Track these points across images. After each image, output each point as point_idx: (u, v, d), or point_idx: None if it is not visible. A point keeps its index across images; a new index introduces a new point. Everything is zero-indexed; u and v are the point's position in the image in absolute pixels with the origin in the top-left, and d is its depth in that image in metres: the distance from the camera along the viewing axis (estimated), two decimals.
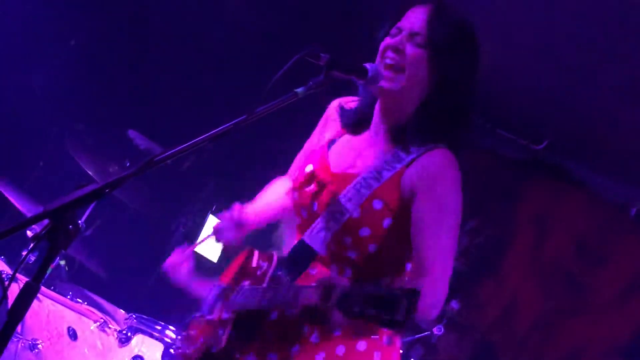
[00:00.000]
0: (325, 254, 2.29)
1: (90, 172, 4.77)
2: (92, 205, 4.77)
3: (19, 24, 5.87)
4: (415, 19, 2.33)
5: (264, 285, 2.26)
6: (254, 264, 2.37)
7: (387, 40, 2.34)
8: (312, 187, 2.37)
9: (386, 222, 2.23)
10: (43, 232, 1.95)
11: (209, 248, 5.98)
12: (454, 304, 5.02)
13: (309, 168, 2.42)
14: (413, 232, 2.21)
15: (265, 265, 2.34)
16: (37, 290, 1.98)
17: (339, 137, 2.49)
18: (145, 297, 5.68)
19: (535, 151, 6.35)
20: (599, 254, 6.17)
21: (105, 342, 4.03)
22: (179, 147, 2.09)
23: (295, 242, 2.36)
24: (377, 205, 2.24)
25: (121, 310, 4.46)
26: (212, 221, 5.92)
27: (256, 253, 2.42)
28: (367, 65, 2.33)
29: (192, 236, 5.88)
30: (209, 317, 2.40)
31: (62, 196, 1.99)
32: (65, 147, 4.98)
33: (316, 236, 2.28)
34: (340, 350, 2.22)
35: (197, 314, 2.48)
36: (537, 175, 6.53)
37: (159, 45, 6.38)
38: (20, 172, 5.87)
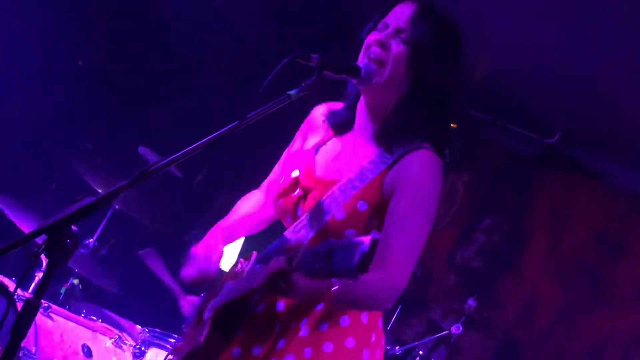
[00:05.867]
0: None
1: (100, 191, 4.79)
2: (103, 224, 4.80)
3: (26, 46, 5.92)
4: (401, 14, 2.34)
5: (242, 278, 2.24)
6: (238, 267, 2.36)
7: (374, 35, 2.35)
8: (297, 192, 2.36)
9: (370, 223, 2.23)
10: (41, 248, 1.95)
11: (224, 260, 5.99)
12: (471, 302, 4.98)
13: (295, 173, 2.41)
14: (384, 224, 2.22)
15: (245, 264, 2.34)
16: (38, 307, 1.98)
17: (325, 141, 2.48)
18: (161, 311, 5.69)
19: (548, 144, 6.32)
20: (618, 245, 6.11)
21: (121, 358, 4.03)
22: (173, 156, 2.07)
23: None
24: (362, 206, 2.23)
25: (138, 325, 4.47)
26: None
27: (241, 259, 2.41)
28: (360, 64, 2.32)
29: None
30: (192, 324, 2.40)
31: (58, 211, 1.99)
32: (75, 168, 5.00)
33: (298, 233, 2.26)
34: (328, 347, 2.21)
35: (184, 326, 2.47)
36: (551, 168, 6.49)
37: (167, 60, 6.41)
38: (33, 194, 5.91)
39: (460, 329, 4.91)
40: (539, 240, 6.40)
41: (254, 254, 2.35)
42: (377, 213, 2.23)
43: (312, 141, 2.52)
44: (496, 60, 5.58)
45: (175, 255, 6.00)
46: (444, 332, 4.99)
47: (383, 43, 2.31)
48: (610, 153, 6.19)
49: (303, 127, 2.62)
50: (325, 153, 2.44)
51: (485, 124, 6.42)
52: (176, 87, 6.45)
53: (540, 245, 6.37)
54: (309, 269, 1.87)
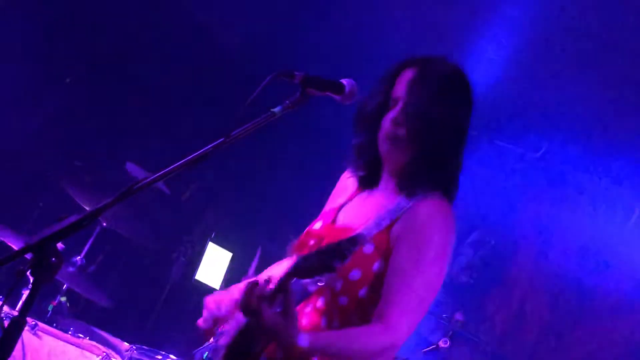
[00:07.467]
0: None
1: (88, 209, 4.77)
2: (90, 241, 4.79)
3: (12, 66, 5.92)
4: (403, 84, 2.38)
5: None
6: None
7: (389, 113, 2.38)
8: (312, 242, 2.37)
9: (376, 266, 2.21)
10: (26, 266, 1.95)
11: (211, 275, 6.01)
12: (459, 316, 5.00)
13: (317, 226, 2.44)
14: (386, 275, 2.19)
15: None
16: (24, 324, 1.98)
17: (352, 199, 2.50)
18: (149, 328, 5.68)
19: (533, 159, 6.35)
20: (604, 258, 6.14)
21: None
22: (158, 173, 2.09)
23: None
24: (368, 249, 2.23)
25: (125, 342, 4.46)
26: (212, 249, 5.94)
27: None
28: (344, 81, 2.34)
29: (192, 264, 5.90)
30: None
31: (43, 229, 2.00)
32: (63, 186, 5.00)
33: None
34: None
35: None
36: (537, 183, 6.52)
37: (155, 78, 6.42)
38: (21, 213, 5.90)
39: (448, 342, 4.92)
40: (525, 253, 6.42)
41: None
42: (381, 257, 2.22)
43: (338, 201, 2.54)
44: (483, 76, 5.62)
45: (164, 273, 6.01)
46: (432, 346, 5.00)
47: (395, 120, 2.36)
48: (594, 168, 6.22)
49: (334, 191, 2.64)
50: (349, 207, 2.47)
51: (471, 139, 6.44)
52: (163, 105, 6.47)
53: (527, 259, 6.40)
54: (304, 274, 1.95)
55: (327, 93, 2.31)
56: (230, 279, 5.94)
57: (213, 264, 5.93)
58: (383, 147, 2.38)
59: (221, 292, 2.46)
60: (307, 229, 2.48)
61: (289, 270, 1.99)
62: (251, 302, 1.99)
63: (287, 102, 2.23)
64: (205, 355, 2.40)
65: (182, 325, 5.79)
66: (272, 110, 2.21)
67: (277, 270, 2.30)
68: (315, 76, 2.27)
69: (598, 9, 4.59)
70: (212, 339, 2.41)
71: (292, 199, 6.10)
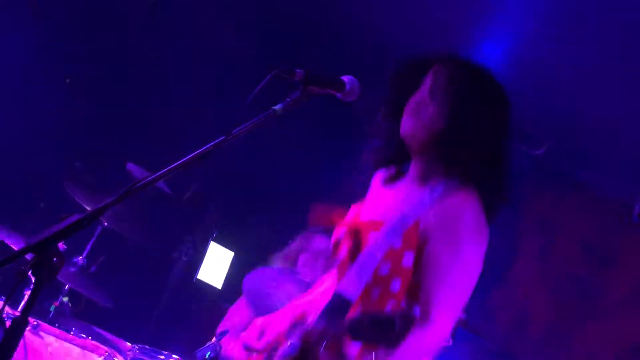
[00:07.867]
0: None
1: (89, 209, 4.76)
2: (92, 241, 4.79)
3: (11, 66, 5.92)
4: (432, 74, 2.42)
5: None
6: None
7: (414, 96, 2.42)
8: (341, 236, 2.40)
9: (405, 261, 2.21)
10: (28, 266, 1.95)
11: (213, 274, 6.01)
12: (461, 315, 4.97)
13: (344, 222, 2.46)
14: (422, 274, 2.21)
15: None
16: (25, 325, 1.98)
17: (377, 192, 2.53)
18: (151, 328, 5.68)
19: (535, 157, 6.33)
20: (607, 255, 6.13)
21: None
22: (159, 173, 2.08)
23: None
24: (397, 244, 2.23)
25: (128, 342, 4.46)
26: (213, 248, 5.95)
27: None
28: (345, 78, 2.34)
29: (194, 264, 5.92)
30: None
31: (44, 230, 2.00)
32: (64, 187, 5.00)
33: (347, 285, 2.26)
34: None
35: None
36: (539, 180, 6.51)
37: (154, 77, 6.42)
38: (21, 213, 5.90)
39: (451, 341, 4.90)
40: (528, 251, 6.41)
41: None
42: (411, 251, 2.23)
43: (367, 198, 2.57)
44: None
45: (165, 273, 6.01)
46: None
47: (419, 102, 2.39)
48: (596, 165, 6.22)
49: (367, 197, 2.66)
50: (375, 199, 2.50)
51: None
52: (163, 104, 6.46)
53: (530, 257, 6.39)
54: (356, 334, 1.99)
55: (328, 90, 2.31)
56: (231, 278, 5.95)
57: (215, 264, 5.94)
58: (404, 125, 2.39)
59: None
60: (336, 227, 2.49)
61: (339, 329, 2.05)
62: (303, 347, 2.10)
63: (289, 99, 2.23)
64: (207, 354, 2.40)
65: (184, 325, 5.80)
66: (273, 108, 2.21)
67: (319, 298, 2.40)
68: (316, 74, 2.27)
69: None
70: (213, 339, 2.42)
71: (294, 198, 6.10)
